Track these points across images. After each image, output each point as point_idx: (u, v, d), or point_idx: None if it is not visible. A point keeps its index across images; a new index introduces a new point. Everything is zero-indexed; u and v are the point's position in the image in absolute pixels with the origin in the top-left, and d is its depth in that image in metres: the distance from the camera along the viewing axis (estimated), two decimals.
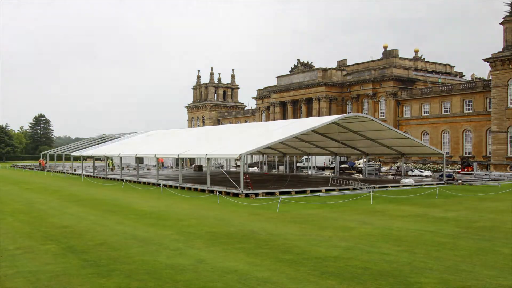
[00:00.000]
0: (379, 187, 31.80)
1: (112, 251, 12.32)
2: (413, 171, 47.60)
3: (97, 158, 59.76)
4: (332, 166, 53.49)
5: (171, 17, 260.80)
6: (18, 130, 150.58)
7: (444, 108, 65.45)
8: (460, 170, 50.71)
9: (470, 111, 61.84)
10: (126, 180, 40.45)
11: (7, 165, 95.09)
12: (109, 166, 54.08)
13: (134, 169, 60.82)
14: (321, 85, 79.06)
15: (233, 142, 33.16)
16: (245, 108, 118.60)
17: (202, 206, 22.47)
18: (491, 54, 55.72)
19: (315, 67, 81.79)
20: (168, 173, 51.72)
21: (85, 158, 59.35)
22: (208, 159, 30.27)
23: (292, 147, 46.16)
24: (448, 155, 59.72)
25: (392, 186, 32.84)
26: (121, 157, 44.92)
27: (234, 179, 29.95)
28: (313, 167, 51.89)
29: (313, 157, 50.61)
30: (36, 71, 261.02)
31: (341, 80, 79.83)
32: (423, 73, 78.86)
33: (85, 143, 71.90)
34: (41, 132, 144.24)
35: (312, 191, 29.52)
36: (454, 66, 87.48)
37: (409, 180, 35.84)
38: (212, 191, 29.02)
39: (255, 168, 60.83)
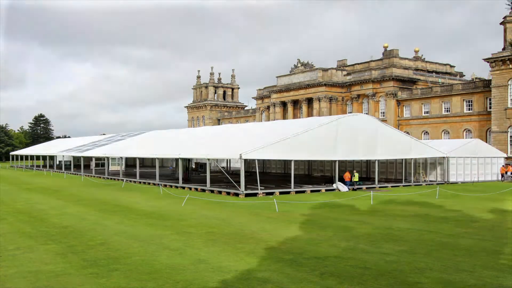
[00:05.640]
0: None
1: (112, 251, 12.32)
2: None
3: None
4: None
5: (170, 17, 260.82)
6: (18, 130, 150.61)
7: (445, 108, 65.44)
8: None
9: (470, 111, 61.84)
10: (126, 180, 40.46)
11: (7, 165, 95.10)
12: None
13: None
14: (322, 85, 79.05)
15: (233, 142, 33.16)
16: (245, 108, 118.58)
17: (202, 206, 22.47)
18: (491, 54, 55.73)
19: (315, 67, 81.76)
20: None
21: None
22: (208, 159, 30.27)
23: None
24: None
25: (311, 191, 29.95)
26: (122, 157, 44.92)
27: (234, 179, 29.92)
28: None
29: None
30: (36, 70, 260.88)
31: (342, 80, 79.81)
32: (423, 73, 78.86)
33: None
34: (41, 132, 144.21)
35: (312, 191, 29.53)
36: (454, 66, 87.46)
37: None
38: (212, 191, 29.03)
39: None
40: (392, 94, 71.53)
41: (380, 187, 33.15)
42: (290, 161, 30.60)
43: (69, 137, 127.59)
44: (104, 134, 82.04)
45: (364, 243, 13.29)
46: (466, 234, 14.85)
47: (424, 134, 67.42)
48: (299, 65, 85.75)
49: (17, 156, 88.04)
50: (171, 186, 33.89)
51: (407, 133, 57.33)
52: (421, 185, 35.40)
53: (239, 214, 19.60)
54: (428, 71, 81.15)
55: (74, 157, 62.85)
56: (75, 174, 54.24)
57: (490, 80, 58.25)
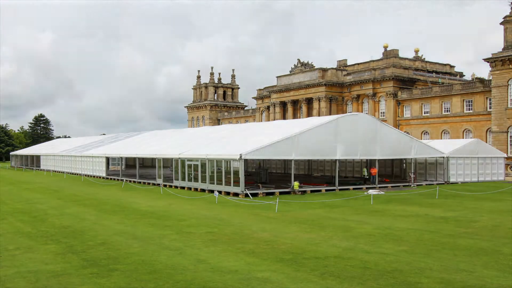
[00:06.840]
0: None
1: (112, 251, 12.32)
2: None
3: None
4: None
5: (170, 17, 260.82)
6: (18, 130, 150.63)
7: (445, 108, 65.44)
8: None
9: (470, 111, 61.83)
10: (126, 180, 40.46)
11: (7, 165, 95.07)
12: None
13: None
14: (321, 85, 79.05)
15: (233, 142, 33.16)
16: (245, 108, 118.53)
17: (202, 206, 22.47)
18: (491, 54, 55.70)
19: (315, 67, 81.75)
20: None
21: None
22: (208, 159, 30.27)
23: None
24: None
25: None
26: (122, 157, 44.90)
27: (234, 179, 29.90)
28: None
29: None
30: (36, 70, 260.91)
31: (341, 80, 79.80)
32: (423, 73, 78.84)
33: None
34: (41, 132, 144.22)
35: (312, 191, 29.52)
36: (454, 66, 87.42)
37: None
38: (212, 191, 29.01)
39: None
40: (392, 94, 71.53)
41: (380, 187, 33.14)
42: (290, 161, 30.59)
43: (69, 137, 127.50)
44: (104, 134, 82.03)
45: (364, 243, 13.29)
46: (466, 234, 14.85)
47: (424, 134, 67.42)
48: (299, 65, 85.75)
49: (17, 156, 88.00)
50: (171, 186, 33.88)
51: (407, 133, 57.29)
52: (421, 185, 35.40)
53: (239, 214, 19.60)
54: (428, 71, 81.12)
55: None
56: (75, 174, 54.22)
57: (490, 80, 58.25)
